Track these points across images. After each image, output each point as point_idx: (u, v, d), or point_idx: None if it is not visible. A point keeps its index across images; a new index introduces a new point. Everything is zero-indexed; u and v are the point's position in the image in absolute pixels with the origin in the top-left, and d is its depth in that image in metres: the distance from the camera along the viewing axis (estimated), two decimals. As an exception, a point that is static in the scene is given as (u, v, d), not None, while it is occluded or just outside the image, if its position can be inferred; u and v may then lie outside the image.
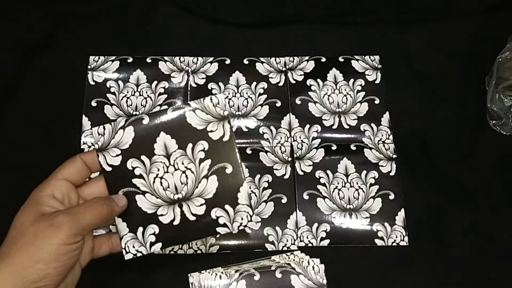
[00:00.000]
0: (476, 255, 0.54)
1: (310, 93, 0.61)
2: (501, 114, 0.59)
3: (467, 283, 0.53)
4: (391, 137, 0.59)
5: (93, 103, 0.59)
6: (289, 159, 0.58)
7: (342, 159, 0.58)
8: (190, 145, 0.42)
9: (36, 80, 0.61)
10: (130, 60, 0.61)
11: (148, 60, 0.62)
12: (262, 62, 0.62)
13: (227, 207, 0.43)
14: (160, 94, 0.60)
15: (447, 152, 0.59)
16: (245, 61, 0.62)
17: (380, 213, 0.55)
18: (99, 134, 0.43)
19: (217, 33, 0.65)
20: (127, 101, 0.60)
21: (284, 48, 0.63)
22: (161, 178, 0.42)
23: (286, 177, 0.57)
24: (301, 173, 0.57)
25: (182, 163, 0.42)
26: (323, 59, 0.63)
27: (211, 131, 0.42)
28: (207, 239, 0.53)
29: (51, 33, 0.63)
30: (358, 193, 0.56)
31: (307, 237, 0.54)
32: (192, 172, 0.42)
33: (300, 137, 0.59)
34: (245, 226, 0.43)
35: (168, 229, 0.43)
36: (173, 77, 0.61)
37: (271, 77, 0.62)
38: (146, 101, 0.60)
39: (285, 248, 0.54)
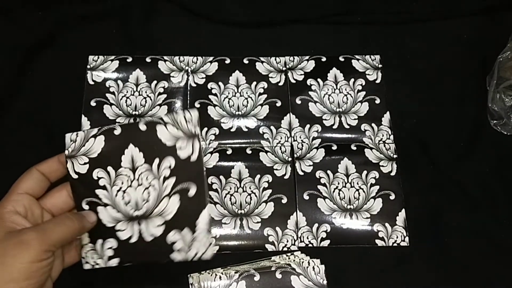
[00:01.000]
0: (476, 255, 0.54)
1: (310, 92, 0.61)
2: (502, 114, 0.59)
3: (468, 283, 0.53)
4: (391, 137, 0.59)
5: (93, 103, 0.59)
6: (289, 159, 0.57)
7: (343, 159, 0.58)
8: (156, 161, 0.41)
9: (36, 80, 0.61)
10: (129, 59, 0.61)
11: (148, 59, 0.61)
12: (262, 62, 0.62)
13: (185, 230, 0.41)
14: (159, 93, 0.60)
15: (447, 152, 0.59)
16: (245, 61, 0.62)
17: (380, 214, 0.55)
18: (71, 141, 0.43)
19: (217, 33, 0.64)
20: (126, 101, 0.59)
21: (284, 48, 0.63)
22: (124, 191, 0.41)
23: (286, 177, 0.56)
24: (301, 173, 0.57)
25: (147, 179, 0.41)
26: (324, 59, 0.63)
27: (180, 148, 0.41)
28: None
29: (51, 33, 0.63)
30: (359, 193, 0.56)
31: (308, 238, 0.54)
32: (155, 189, 0.41)
33: (300, 137, 0.58)
34: (201, 256, 0.42)
35: (126, 246, 0.42)
36: (173, 76, 0.61)
37: (271, 77, 0.61)
38: (146, 101, 0.59)
39: (285, 249, 0.53)
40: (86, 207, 0.42)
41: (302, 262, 0.51)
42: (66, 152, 0.42)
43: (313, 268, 0.50)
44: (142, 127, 0.41)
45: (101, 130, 0.42)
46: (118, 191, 0.41)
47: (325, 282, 0.50)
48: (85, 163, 0.42)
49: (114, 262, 0.42)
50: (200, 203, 0.41)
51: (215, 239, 0.53)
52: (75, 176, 0.42)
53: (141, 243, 0.41)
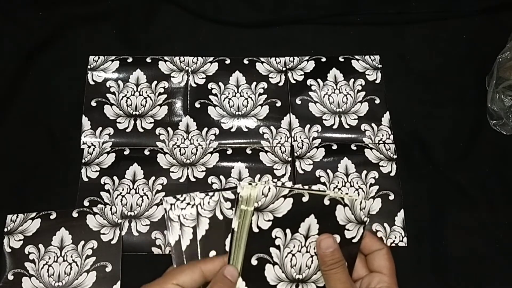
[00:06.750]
0: (475, 256, 0.54)
1: (310, 93, 0.61)
2: (501, 114, 0.59)
3: (466, 284, 0.53)
4: (391, 137, 0.59)
5: (93, 103, 0.59)
6: (289, 159, 0.58)
7: (343, 159, 0.58)
8: (82, 242, 0.51)
9: (36, 80, 0.61)
10: (130, 60, 0.61)
11: (148, 60, 0.62)
12: (262, 62, 0.62)
13: None
14: (160, 94, 0.60)
15: (447, 152, 0.59)
16: (245, 61, 0.62)
17: (379, 214, 0.55)
18: (11, 221, 0.52)
19: (217, 33, 0.65)
20: (127, 101, 0.60)
21: (284, 48, 0.63)
22: (50, 265, 0.50)
23: (286, 177, 0.57)
24: (301, 172, 0.57)
25: (71, 256, 0.51)
26: (323, 59, 0.63)
27: (104, 233, 0.52)
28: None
29: (51, 33, 0.63)
30: (358, 193, 0.56)
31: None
32: (77, 265, 0.50)
33: (300, 137, 0.59)
34: None
35: None
36: (173, 77, 0.61)
37: (271, 77, 0.62)
38: (146, 101, 0.60)
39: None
40: (11, 277, 0.50)
41: (355, 200, 0.42)
42: (5, 229, 0.52)
43: (360, 202, 0.42)
44: (75, 214, 0.52)
45: (39, 214, 0.52)
46: (44, 264, 0.50)
47: (366, 219, 0.42)
48: (19, 240, 0.51)
49: None
50: (113, 279, 0.50)
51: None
52: (8, 250, 0.51)
53: None
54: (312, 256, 0.39)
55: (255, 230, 0.38)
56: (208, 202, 0.39)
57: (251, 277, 0.38)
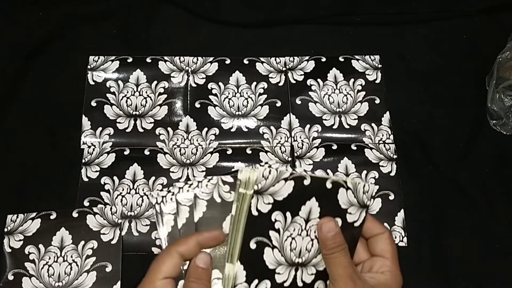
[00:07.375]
0: (475, 256, 0.54)
1: (310, 93, 0.61)
2: (501, 114, 0.59)
3: (466, 284, 0.53)
4: (391, 137, 0.59)
5: (93, 103, 0.59)
6: (289, 159, 0.58)
7: (343, 159, 0.58)
8: (82, 242, 0.52)
9: (36, 80, 0.61)
10: (130, 60, 0.61)
11: (148, 60, 0.62)
12: (262, 62, 0.62)
13: None
14: (160, 94, 0.60)
15: (447, 152, 0.59)
16: (245, 61, 0.62)
17: (379, 214, 0.55)
18: (11, 221, 0.52)
19: (217, 33, 0.65)
20: (127, 101, 0.60)
21: (284, 48, 0.63)
22: (50, 265, 0.51)
23: (286, 177, 0.57)
24: (301, 173, 0.57)
25: (71, 257, 0.51)
26: (323, 59, 0.63)
27: (104, 233, 0.52)
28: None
29: (51, 33, 0.63)
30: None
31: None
32: (77, 265, 0.51)
33: (300, 137, 0.59)
34: None
35: None
36: (173, 77, 0.61)
37: (271, 77, 0.62)
38: (146, 101, 0.60)
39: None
40: (11, 277, 0.50)
41: (358, 183, 0.41)
42: (5, 229, 0.52)
43: (364, 186, 0.41)
44: (75, 214, 0.52)
45: (39, 214, 0.52)
46: (44, 265, 0.51)
47: (368, 202, 0.41)
48: (20, 240, 0.51)
49: None
50: (114, 279, 0.50)
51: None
52: (8, 250, 0.51)
53: None
54: (312, 240, 0.38)
55: (255, 213, 0.37)
56: (188, 190, 0.39)
57: (249, 260, 0.37)
